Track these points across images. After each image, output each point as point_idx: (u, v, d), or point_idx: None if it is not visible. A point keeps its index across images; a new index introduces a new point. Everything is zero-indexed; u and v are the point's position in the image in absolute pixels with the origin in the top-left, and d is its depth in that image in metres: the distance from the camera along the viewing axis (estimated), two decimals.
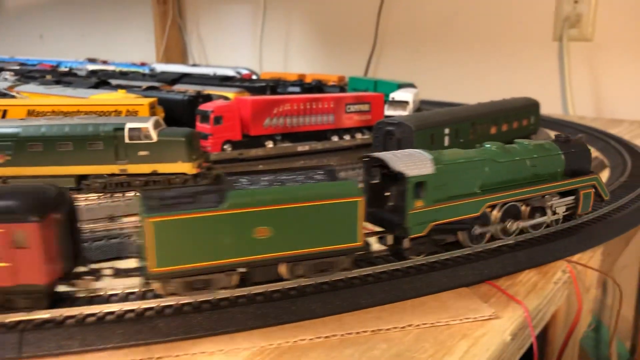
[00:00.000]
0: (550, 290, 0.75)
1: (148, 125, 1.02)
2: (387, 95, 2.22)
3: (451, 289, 0.71)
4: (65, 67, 3.19)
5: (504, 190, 0.77)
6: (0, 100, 1.23)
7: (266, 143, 1.32)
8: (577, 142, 0.87)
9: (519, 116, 1.38)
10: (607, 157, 1.46)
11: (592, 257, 0.88)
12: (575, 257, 0.83)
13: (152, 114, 1.26)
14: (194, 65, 3.26)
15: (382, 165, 0.72)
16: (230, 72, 2.91)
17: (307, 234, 0.64)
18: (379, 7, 3.01)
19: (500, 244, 0.78)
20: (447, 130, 1.11)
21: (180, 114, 1.49)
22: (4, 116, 1.17)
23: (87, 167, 1.03)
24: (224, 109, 1.24)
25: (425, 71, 2.92)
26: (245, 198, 0.62)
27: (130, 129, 1.01)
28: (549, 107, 2.45)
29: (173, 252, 0.60)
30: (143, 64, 3.21)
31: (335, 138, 1.43)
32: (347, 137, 1.44)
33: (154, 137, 1.02)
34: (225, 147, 1.26)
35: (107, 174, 1.04)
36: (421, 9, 2.97)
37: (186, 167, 1.04)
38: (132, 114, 1.22)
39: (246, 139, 1.29)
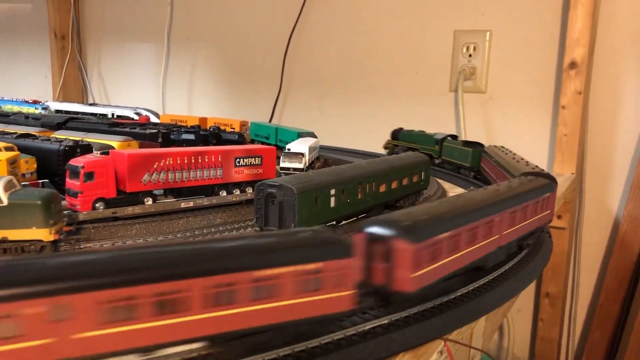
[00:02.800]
0: None
1: None
2: (287, 142, 2.21)
3: None
4: None
5: None
6: None
7: (145, 200, 1.23)
8: None
9: (410, 172, 1.39)
10: None
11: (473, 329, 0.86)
12: (453, 334, 0.81)
13: (12, 171, 1.14)
14: (93, 104, 3.10)
15: None
16: (129, 113, 2.79)
17: None
18: (285, 52, 3.02)
19: (374, 325, 0.74)
20: (333, 191, 1.08)
21: (55, 165, 1.37)
22: None
23: None
24: (96, 164, 1.15)
25: (329, 117, 2.94)
26: None
27: None
28: None
29: None
30: (36, 102, 3.02)
31: (223, 193, 1.37)
32: (236, 191, 1.38)
33: (4, 200, 0.91)
34: (97, 205, 1.16)
35: None
36: (325, 56, 3.01)
37: (42, 234, 0.93)
38: None
39: (122, 196, 1.20)
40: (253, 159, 1.40)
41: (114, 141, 1.57)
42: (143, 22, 3.35)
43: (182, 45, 3.28)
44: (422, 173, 1.48)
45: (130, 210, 1.21)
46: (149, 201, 1.24)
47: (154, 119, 2.66)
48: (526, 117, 2.52)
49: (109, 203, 1.18)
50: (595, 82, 2.37)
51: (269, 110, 3.08)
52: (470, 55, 2.65)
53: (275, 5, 3.03)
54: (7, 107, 2.95)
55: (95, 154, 1.43)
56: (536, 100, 2.49)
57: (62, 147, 1.36)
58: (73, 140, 1.44)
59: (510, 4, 2.51)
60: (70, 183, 1.15)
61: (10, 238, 0.92)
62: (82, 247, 1.01)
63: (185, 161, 1.28)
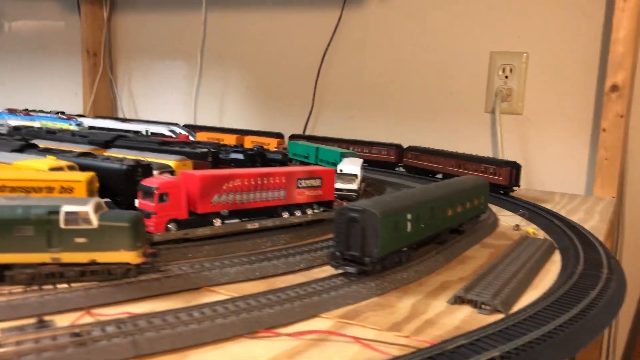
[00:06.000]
0: None
1: (87, 208, 0.91)
2: (329, 163, 2.20)
3: None
4: None
5: None
6: None
7: (214, 221, 1.23)
8: None
9: (471, 197, 1.38)
10: (554, 238, 1.48)
11: None
12: None
13: (90, 191, 1.14)
14: (125, 120, 3.12)
15: None
16: (164, 130, 2.81)
17: None
18: (318, 70, 3.04)
19: None
20: (409, 216, 1.07)
21: (117, 185, 1.37)
22: None
23: (12, 256, 0.90)
24: (169, 186, 1.15)
25: (361, 137, 2.94)
26: None
27: (67, 213, 0.90)
28: None
29: None
30: (70, 118, 3.04)
31: (285, 214, 1.36)
32: (298, 212, 1.38)
33: (94, 222, 0.91)
34: (169, 226, 1.16)
35: (36, 264, 0.91)
36: (358, 74, 3.03)
37: (129, 256, 0.93)
38: (67, 191, 1.09)
39: (192, 217, 1.19)
40: (314, 180, 1.40)
41: (171, 160, 1.57)
42: (175, 40, 3.38)
43: (214, 63, 3.31)
44: (482, 197, 1.47)
45: (200, 231, 1.20)
46: (217, 222, 1.23)
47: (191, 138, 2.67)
48: (564, 139, 2.51)
49: (180, 224, 1.17)
50: (636, 105, 2.37)
51: (299, 129, 3.09)
52: (506, 77, 2.66)
53: (308, 23, 3.05)
54: (42, 122, 2.97)
55: (156, 174, 1.43)
56: (574, 123, 2.48)
57: (124, 167, 1.36)
58: (134, 159, 1.44)
59: (548, 26, 2.51)
60: (144, 204, 1.15)
61: (99, 260, 0.92)
62: (163, 269, 1.01)
63: (252, 182, 1.28)
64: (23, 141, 1.79)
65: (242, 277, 1.05)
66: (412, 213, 1.10)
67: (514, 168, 2.01)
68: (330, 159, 2.18)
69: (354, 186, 1.60)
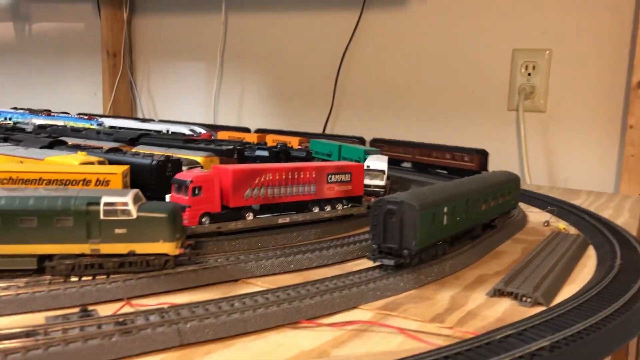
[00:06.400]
0: None
1: (127, 199, 0.91)
2: (352, 160, 2.19)
3: None
4: (5, 118, 2.99)
5: None
6: None
7: (246, 215, 1.23)
8: None
9: (503, 192, 1.36)
10: (586, 234, 1.46)
11: None
12: None
13: (125, 184, 1.14)
14: (145, 120, 3.13)
15: None
16: (184, 130, 2.82)
17: None
18: (337, 70, 3.03)
19: None
20: (445, 209, 1.06)
21: (147, 180, 1.37)
22: None
23: (52, 246, 0.90)
24: (203, 179, 1.15)
25: (382, 135, 2.93)
26: None
27: (106, 204, 0.90)
28: None
29: None
30: (91, 118, 3.06)
31: (315, 209, 1.35)
32: (327, 207, 1.37)
33: (133, 213, 0.91)
34: (203, 219, 1.16)
35: (75, 254, 0.91)
36: (379, 73, 3.02)
37: (168, 248, 0.92)
38: (103, 184, 1.10)
39: (225, 211, 1.19)
40: (344, 175, 1.39)
41: (198, 157, 1.57)
42: (195, 41, 3.40)
43: (233, 63, 3.31)
44: (513, 192, 1.45)
45: (233, 225, 1.20)
46: (250, 216, 1.23)
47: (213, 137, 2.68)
48: (589, 136, 2.48)
49: (214, 218, 1.17)
50: None
51: (317, 128, 3.08)
52: (529, 74, 2.63)
53: (328, 23, 3.05)
54: (63, 122, 2.99)
55: (185, 169, 1.44)
56: (600, 120, 2.45)
57: (155, 162, 1.37)
58: (163, 155, 1.44)
59: (572, 23, 2.49)
60: (177, 197, 1.15)
61: (138, 251, 0.92)
62: (200, 261, 1.00)
63: (283, 177, 1.27)
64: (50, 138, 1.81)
65: (277, 269, 1.05)
66: (449, 206, 1.09)
67: (484, 155, 2.27)
68: (354, 157, 2.17)
69: (381, 182, 1.59)
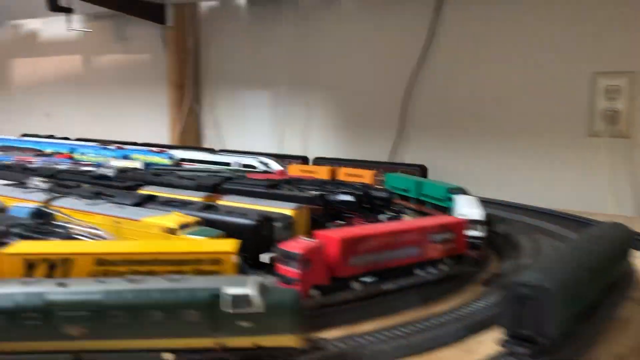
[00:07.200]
0: None
1: (253, 291, 0.88)
2: (433, 199, 2.12)
3: None
4: (80, 153, 3.07)
5: None
6: (59, 244, 1.07)
7: (352, 284, 1.18)
8: None
9: (622, 251, 1.27)
10: None
11: None
12: None
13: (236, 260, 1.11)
14: (213, 151, 3.15)
15: None
16: (254, 162, 2.81)
17: None
18: (405, 93, 2.97)
19: None
20: (583, 285, 0.99)
21: (244, 240, 1.34)
22: (64, 269, 1.00)
23: (177, 341, 0.87)
24: (313, 250, 1.11)
25: (453, 161, 2.85)
26: None
27: (232, 296, 0.87)
28: (587, 205, 2.40)
29: None
30: (162, 151, 3.10)
31: (418, 271, 1.30)
32: (431, 269, 1.31)
33: (259, 305, 0.87)
34: (312, 293, 1.12)
35: (200, 349, 0.88)
36: (451, 96, 2.94)
37: (294, 340, 0.89)
38: (216, 263, 1.06)
39: (332, 282, 1.15)
40: (447, 234, 1.33)
41: (288, 209, 1.54)
42: (259, 68, 3.40)
43: (298, 90, 3.30)
44: (626, 247, 1.36)
45: (341, 297, 1.15)
46: (356, 285, 1.18)
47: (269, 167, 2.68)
48: None
49: (321, 290, 1.13)
50: None
51: (384, 152, 3.02)
52: (611, 98, 2.50)
53: (394, 44, 2.99)
54: (135, 156, 3.04)
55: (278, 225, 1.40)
56: None
57: (252, 222, 1.34)
58: (257, 212, 1.42)
59: None
60: (285, 270, 1.11)
61: (263, 344, 0.88)
62: (319, 345, 0.96)
63: (388, 241, 1.22)
64: (134, 187, 1.81)
65: (398, 352, 1.00)
66: (586, 281, 1.01)
67: (423, 169, 2.55)
68: (435, 195, 2.10)
69: (480, 234, 1.51)
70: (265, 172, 2.68)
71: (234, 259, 1.05)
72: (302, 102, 3.29)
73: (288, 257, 1.11)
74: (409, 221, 1.45)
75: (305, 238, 1.21)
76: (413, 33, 2.90)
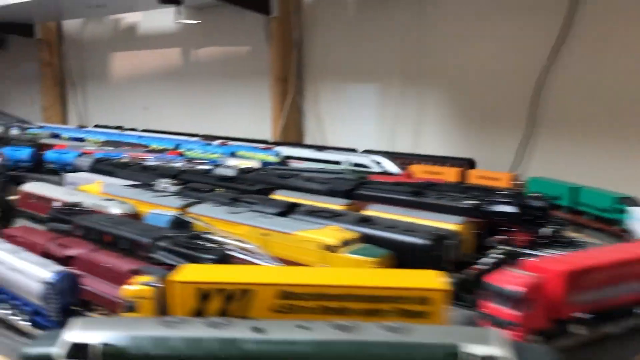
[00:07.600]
0: None
1: (502, 351, 0.66)
2: (596, 208, 1.83)
3: None
4: (187, 149, 2.98)
5: None
6: (234, 270, 0.89)
7: (572, 328, 0.95)
8: None
9: None
10: None
11: None
12: None
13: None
14: (320, 147, 2.97)
15: None
16: (366, 161, 2.62)
17: None
18: (534, 92, 2.67)
19: None
20: None
21: (415, 262, 1.13)
22: (243, 303, 0.82)
23: None
24: (535, 287, 0.88)
25: (593, 166, 2.52)
26: None
27: (482, 358, 0.66)
28: None
29: None
30: (267, 148, 2.97)
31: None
32: None
33: None
34: (530, 339, 0.89)
35: None
36: (590, 94, 2.60)
37: None
38: (420, 303, 0.85)
39: (551, 325, 0.92)
40: None
41: (453, 224, 1.32)
42: (366, 61, 3.18)
43: (410, 84, 3.06)
44: None
45: (562, 344, 0.92)
46: (577, 329, 0.95)
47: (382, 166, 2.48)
48: None
49: (539, 335, 0.90)
50: None
51: (507, 154, 2.73)
52: None
53: (522, 34, 2.68)
54: (241, 153, 2.92)
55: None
56: None
57: (425, 242, 1.13)
58: (429, 228, 1.20)
59: None
60: (498, 310, 0.89)
61: None
62: None
63: (616, 273, 0.98)
64: (265, 191, 1.65)
65: None
66: None
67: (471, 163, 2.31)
68: (599, 205, 1.82)
69: None
70: (384, 172, 2.48)
71: (445, 299, 0.84)
72: (414, 96, 3.04)
73: (506, 296, 0.88)
74: (626, 246, 1.18)
75: (515, 269, 0.98)
76: (547, 18, 2.58)
